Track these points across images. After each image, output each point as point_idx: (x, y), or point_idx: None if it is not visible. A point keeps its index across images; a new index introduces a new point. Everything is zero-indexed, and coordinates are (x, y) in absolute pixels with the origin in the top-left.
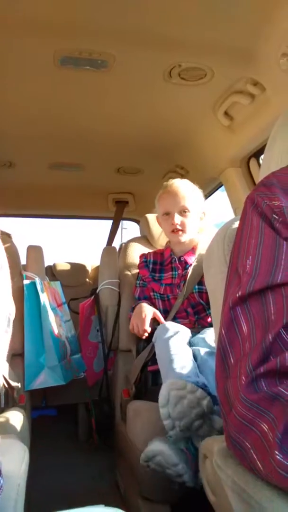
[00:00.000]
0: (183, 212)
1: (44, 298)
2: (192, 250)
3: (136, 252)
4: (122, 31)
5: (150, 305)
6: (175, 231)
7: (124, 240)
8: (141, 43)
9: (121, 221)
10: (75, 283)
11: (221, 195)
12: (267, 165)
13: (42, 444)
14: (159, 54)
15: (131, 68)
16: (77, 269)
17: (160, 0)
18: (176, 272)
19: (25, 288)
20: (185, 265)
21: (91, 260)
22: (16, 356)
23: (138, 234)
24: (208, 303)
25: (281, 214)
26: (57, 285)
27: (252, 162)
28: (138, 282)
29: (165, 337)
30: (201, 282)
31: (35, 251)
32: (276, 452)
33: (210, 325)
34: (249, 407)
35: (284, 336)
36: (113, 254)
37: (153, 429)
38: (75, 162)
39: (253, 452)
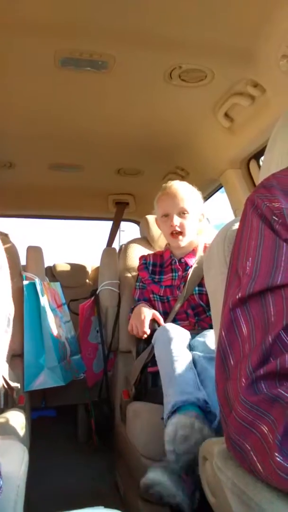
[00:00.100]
0: (182, 213)
1: (43, 299)
2: (193, 251)
3: (136, 253)
4: (122, 32)
5: (150, 307)
6: (174, 234)
7: (122, 242)
8: (142, 44)
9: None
10: (75, 284)
11: (221, 196)
12: (267, 167)
13: (42, 445)
14: (159, 55)
15: (131, 69)
16: (77, 270)
17: (160, 1)
18: (176, 274)
19: (24, 288)
20: (186, 267)
21: (91, 261)
22: (15, 357)
23: (136, 236)
24: (208, 304)
25: (281, 215)
26: (57, 286)
27: (252, 164)
28: (137, 284)
29: (164, 340)
30: (201, 284)
31: (35, 252)
32: (276, 454)
33: (210, 326)
34: (249, 409)
35: (284, 337)
36: (113, 255)
37: (153, 431)
38: (75, 163)
39: (253, 454)
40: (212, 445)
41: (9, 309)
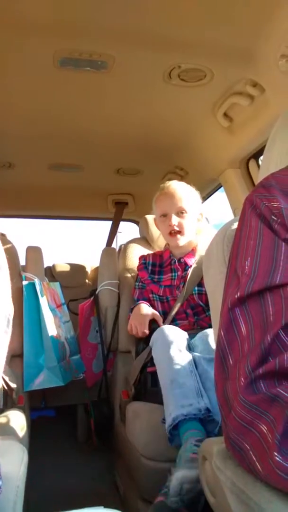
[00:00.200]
0: (180, 213)
1: (43, 299)
2: (192, 251)
3: (135, 253)
4: (122, 32)
5: (149, 306)
6: (172, 233)
7: (119, 244)
8: (141, 44)
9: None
10: (74, 284)
11: (220, 196)
12: (266, 166)
13: (41, 445)
14: (158, 55)
15: (131, 69)
16: (77, 270)
17: (159, 1)
18: (176, 274)
19: (24, 289)
20: (185, 267)
21: (91, 261)
22: (15, 357)
23: (133, 238)
24: (207, 304)
25: (279, 215)
26: (56, 286)
27: (252, 163)
28: (137, 284)
29: (162, 343)
30: (200, 284)
31: (34, 252)
32: (275, 454)
33: (210, 326)
34: (248, 408)
35: (283, 337)
36: (112, 255)
37: (153, 431)
38: (74, 163)
39: (252, 454)
40: (211, 445)
41: (9, 310)
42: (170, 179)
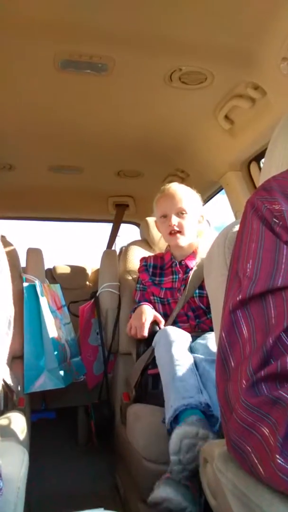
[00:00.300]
0: (180, 213)
1: (43, 301)
2: (193, 254)
3: (136, 255)
4: (122, 35)
5: (152, 308)
6: (172, 233)
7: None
8: (142, 47)
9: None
10: (75, 286)
11: (221, 198)
12: (268, 169)
13: (42, 447)
14: (159, 58)
15: (131, 72)
16: (77, 272)
17: (160, 4)
18: (177, 276)
19: (24, 290)
20: (186, 269)
21: (91, 263)
22: (15, 359)
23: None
24: (208, 307)
25: (281, 218)
26: (57, 287)
27: (253, 166)
28: (138, 286)
29: (165, 343)
30: (201, 286)
31: (34, 254)
32: (277, 456)
33: (211, 329)
34: (249, 410)
35: (285, 339)
36: (113, 257)
37: (154, 433)
38: (75, 165)
39: (254, 456)
40: (212, 447)
41: (10, 311)
42: (171, 181)
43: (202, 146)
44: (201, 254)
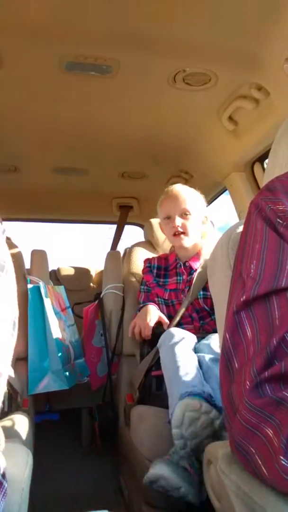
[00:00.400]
0: (184, 214)
1: (48, 302)
2: (197, 255)
3: (140, 257)
4: (126, 37)
5: (157, 309)
6: (176, 234)
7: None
8: (146, 49)
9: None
10: (79, 287)
11: (225, 199)
12: (272, 170)
13: (46, 449)
14: (163, 59)
15: (135, 74)
16: (81, 273)
17: (164, 5)
18: (181, 277)
19: (29, 292)
20: (190, 270)
21: (95, 265)
22: (20, 360)
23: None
24: (212, 308)
25: (285, 218)
26: (61, 289)
27: (257, 167)
28: (142, 287)
29: (170, 344)
30: (205, 288)
31: (39, 255)
32: (281, 457)
33: (215, 330)
34: (253, 412)
35: None
36: (117, 258)
37: (157, 434)
38: (79, 167)
39: (258, 457)
40: (216, 449)
41: (15, 313)
42: (174, 183)
43: (206, 147)
44: (205, 255)
